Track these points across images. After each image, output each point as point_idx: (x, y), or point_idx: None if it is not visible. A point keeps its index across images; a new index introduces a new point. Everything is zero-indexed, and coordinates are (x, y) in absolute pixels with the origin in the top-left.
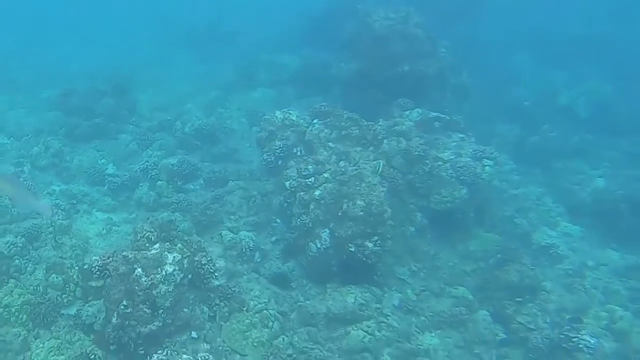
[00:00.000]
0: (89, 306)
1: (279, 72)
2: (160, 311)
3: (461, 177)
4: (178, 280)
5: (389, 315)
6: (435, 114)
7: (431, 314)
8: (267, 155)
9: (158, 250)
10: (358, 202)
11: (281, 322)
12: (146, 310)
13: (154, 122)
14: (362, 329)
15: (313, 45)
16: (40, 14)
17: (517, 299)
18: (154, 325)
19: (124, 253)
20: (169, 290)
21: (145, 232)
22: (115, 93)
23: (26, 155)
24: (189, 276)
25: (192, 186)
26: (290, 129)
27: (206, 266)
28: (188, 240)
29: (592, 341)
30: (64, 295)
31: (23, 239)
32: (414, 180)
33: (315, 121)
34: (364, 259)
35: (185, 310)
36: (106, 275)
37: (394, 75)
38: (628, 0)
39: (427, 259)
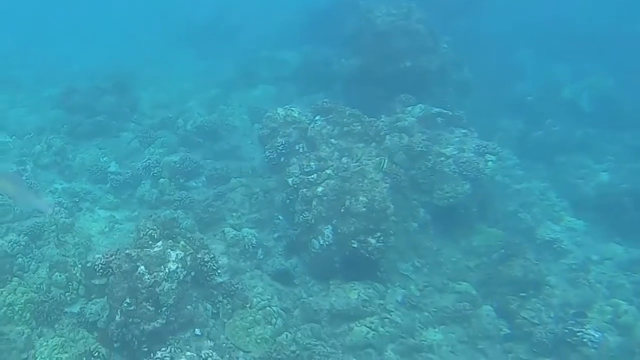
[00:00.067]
0: (92, 304)
1: (280, 69)
2: (164, 308)
3: (464, 173)
4: (181, 278)
5: (393, 311)
6: (437, 109)
7: (435, 309)
8: (269, 152)
9: (161, 247)
10: (360, 198)
11: (284, 318)
12: (149, 307)
13: (156, 119)
14: (365, 325)
15: (314, 41)
16: (40, 14)
17: (521, 294)
18: (157, 322)
19: (127, 251)
20: (172, 287)
21: (147, 229)
22: (116, 91)
23: (28, 153)
24: (192, 273)
25: (194, 183)
26: (292, 125)
27: (209, 263)
28: (191, 238)
29: (596, 335)
30: (67, 294)
31: (26, 237)
32: (416, 176)
33: (317, 118)
34: (367, 255)
35: (189, 307)
36: (109, 273)
37: (396, 71)
38: None
39: (430, 254)
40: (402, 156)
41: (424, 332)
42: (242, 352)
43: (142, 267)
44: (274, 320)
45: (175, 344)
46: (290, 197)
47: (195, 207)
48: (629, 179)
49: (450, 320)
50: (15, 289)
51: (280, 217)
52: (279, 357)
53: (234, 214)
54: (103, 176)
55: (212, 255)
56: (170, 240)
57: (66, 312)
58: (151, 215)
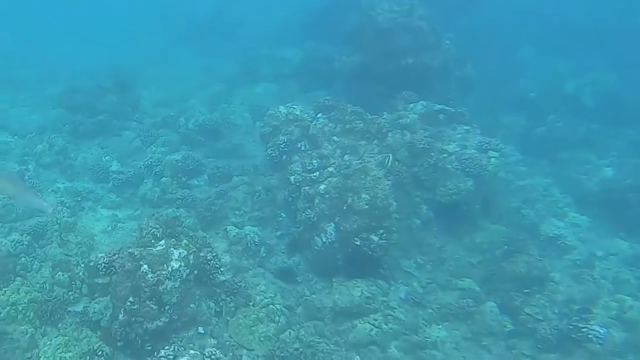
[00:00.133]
0: (95, 303)
1: (281, 66)
2: (167, 307)
3: (467, 169)
4: (184, 276)
5: (396, 308)
6: (439, 106)
7: (438, 306)
8: (272, 150)
9: (164, 246)
10: (363, 195)
11: (287, 316)
12: (153, 306)
13: (157, 118)
14: (369, 322)
15: (315, 38)
16: (40, 14)
17: (525, 290)
18: (160, 321)
19: (130, 250)
20: (175, 286)
21: (150, 228)
22: (118, 90)
23: (30, 153)
24: (195, 272)
25: (196, 182)
26: (294, 123)
27: (212, 262)
28: (193, 236)
29: (601, 331)
30: (70, 293)
31: (29, 237)
32: (419, 173)
33: (319, 115)
34: (370, 253)
35: (192, 305)
36: (112, 272)
37: (398, 68)
38: None
39: (433, 251)
40: (405, 153)
41: (427, 329)
42: (245, 350)
43: (145, 266)
44: (277, 318)
45: (179, 342)
46: (293, 195)
47: (197, 205)
48: (633, 174)
49: (453, 317)
50: (19, 289)
51: (283, 215)
52: (282, 354)
53: (237, 212)
54: (105, 175)
55: (214, 254)
56: (173, 239)
57: (69, 311)
58: (154, 214)
